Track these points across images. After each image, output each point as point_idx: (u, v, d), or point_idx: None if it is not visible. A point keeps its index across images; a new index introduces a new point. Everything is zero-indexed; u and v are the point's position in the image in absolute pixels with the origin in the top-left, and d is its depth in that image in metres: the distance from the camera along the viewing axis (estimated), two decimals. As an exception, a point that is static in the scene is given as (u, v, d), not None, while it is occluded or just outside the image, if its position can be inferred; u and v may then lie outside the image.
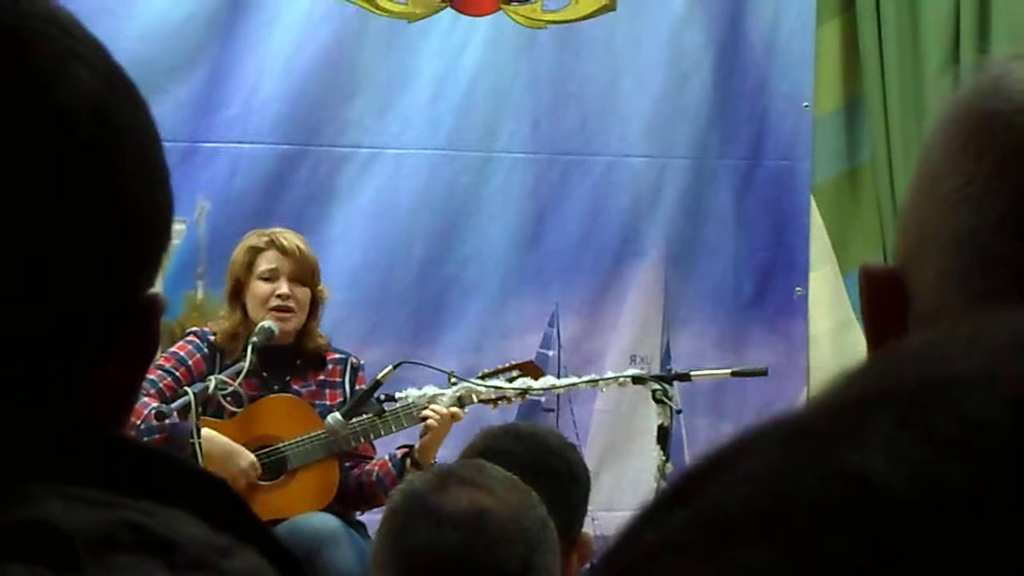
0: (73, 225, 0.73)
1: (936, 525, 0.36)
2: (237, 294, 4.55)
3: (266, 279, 4.50)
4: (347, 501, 4.53)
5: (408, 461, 4.44)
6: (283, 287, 4.48)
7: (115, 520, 0.69)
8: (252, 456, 4.42)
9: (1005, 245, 0.79)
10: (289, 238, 4.56)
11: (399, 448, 4.55)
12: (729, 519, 0.38)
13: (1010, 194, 0.79)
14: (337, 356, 4.63)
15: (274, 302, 4.47)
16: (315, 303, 4.57)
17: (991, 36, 5.48)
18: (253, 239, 4.58)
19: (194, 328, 4.69)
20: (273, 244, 4.53)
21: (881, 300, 0.85)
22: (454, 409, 4.40)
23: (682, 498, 0.40)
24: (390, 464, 4.50)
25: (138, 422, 4.20)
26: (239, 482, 4.32)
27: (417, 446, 4.45)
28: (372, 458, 4.59)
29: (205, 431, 4.29)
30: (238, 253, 4.57)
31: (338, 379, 4.60)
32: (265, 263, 4.51)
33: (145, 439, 4.14)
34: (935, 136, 0.84)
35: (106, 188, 0.75)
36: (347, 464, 4.54)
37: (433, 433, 4.38)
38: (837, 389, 0.41)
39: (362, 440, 4.48)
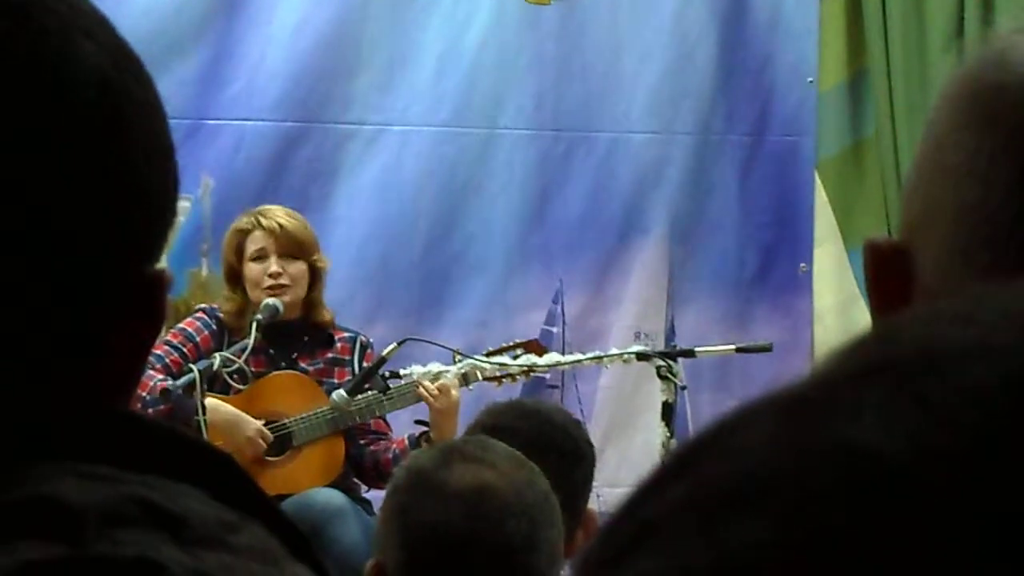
0: (79, 201, 0.74)
1: (934, 495, 0.36)
2: (234, 277, 4.55)
3: (256, 260, 4.50)
4: (364, 478, 4.53)
5: (424, 440, 4.44)
6: (273, 265, 4.47)
7: (122, 495, 0.69)
8: (258, 424, 4.41)
9: (1010, 219, 0.78)
10: (273, 215, 4.54)
11: (416, 421, 4.53)
12: (725, 493, 0.39)
13: (1015, 168, 0.79)
14: (346, 335, 4.63)
15: (267, 281, 4.47)
16: (315, 275, 4.56)
17: (995, 9, 5.46)
18: (240, 221, 4.57)
19: (203, 305, 4.69)
20: (258, 224, 4.51)
21: (886, 274, 0.85)
22: (448, 386, 4.36)
23: (678, 472, 0.41)
24: (407, 443, 4.50)
25: (143, 393, 4.21)
26: (246, 451, 4.32)
27: (431, 425, 4.44)
28: (387, 434, 4.59)
29: (211, 399, 4.30)
30: (227, 237, 4.57)
31: (347, 357, 4.60)
32: (253, 244, 4.51)
33: (149, 410, 4.16)
34: (940, 110, 0.84)
35: (112, 164, 0.75)
36: (362, 442, 4.54)
37: (438, 411, 4.37)
38: (832, 362, 0.41)
39: (367, 417, 4.48)
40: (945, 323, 0.40)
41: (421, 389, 4.36)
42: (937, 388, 0.38)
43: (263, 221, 4.51)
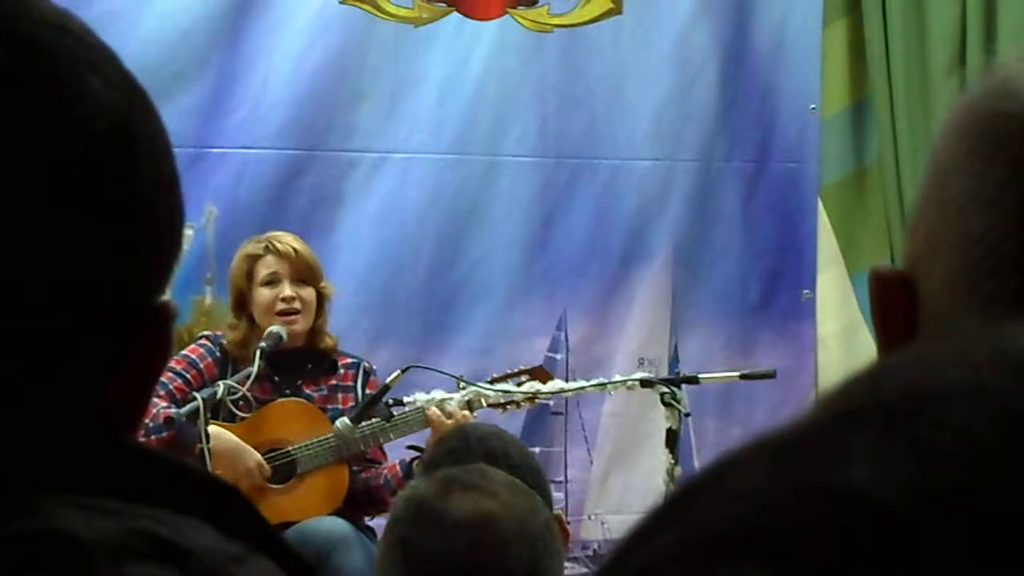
0: (89, 234, 0.74)
1: (925, 538, 0.36)
2: (241, 304, 4.55)
3: (268, 284, 4.50)
4: (355, 504, 4.52)
5: (416, 464, 4.44)
6: (286, 290, 4.48)
7: (128, 529, 0.69)
8: (259, 456, 4.41)
9: (1016, 247, 0.78)
10: (285, 240, 4.56)
11: (409, 447, 4.53)
12: (720, 535, 0.39)
13: (1021, 196, 0.79)
14: (349, 360, 4.63)
15: (279, 306, 4.47)
16: (321, 301, 4.57)
17: (998, 37, 5.47)
18: (249, 247, 4.58)
19: (206, 332, 4.69)
20: (270, 249, 4.52)
21: (891, 303, 0.84)
22: (464, 412, 4.39)
23: (674, 515, 0.41)
24: (398, 467, 4.50)
25: (147, 420, 4.20)
26: (246, 482, 4.32)
27: (426, 449, 4.44)
28: (381, 462, 4.59)
29: (214, 427, 4.29)
30: (236, 263, 4.57)
31: (350, 383, 4.60)
32: (265, 268, 4.51)
33: (152, 437, 4.15)
34: (944, 138, 0.84)
35: (121, 197, 0.75)
36: (355, 468, 4.54)
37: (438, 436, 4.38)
38: (824, 404, 0.41)
39: (371, 444, 4.47)
40: (936, 365, 0.41)
41: (431, 412, 4.36)
42: (928, 430, 0.38)
43: (277, 246, 4.52)
